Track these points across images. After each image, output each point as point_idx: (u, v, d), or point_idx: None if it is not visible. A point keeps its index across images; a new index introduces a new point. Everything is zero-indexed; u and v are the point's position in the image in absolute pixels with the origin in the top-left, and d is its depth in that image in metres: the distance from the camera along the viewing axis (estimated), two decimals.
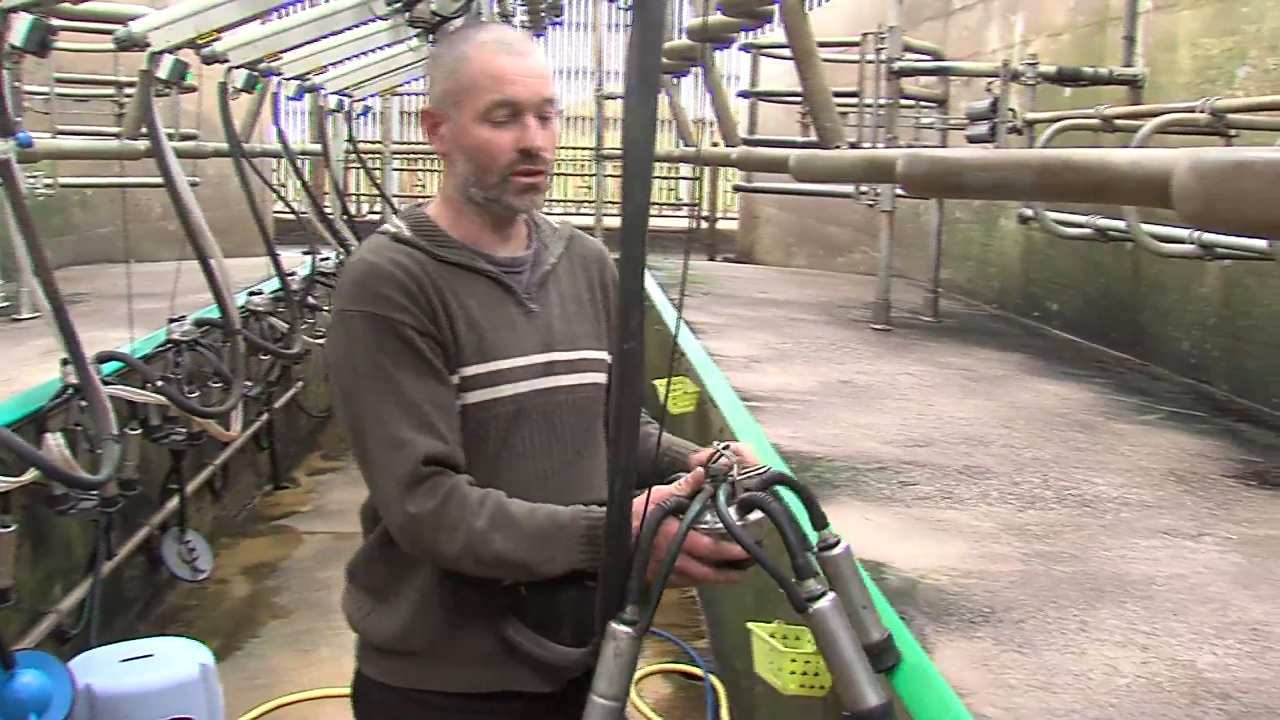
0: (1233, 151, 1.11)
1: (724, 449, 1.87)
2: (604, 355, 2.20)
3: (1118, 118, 5.65)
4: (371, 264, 2.02)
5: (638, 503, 1.83)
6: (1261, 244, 4.31)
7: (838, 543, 1.98)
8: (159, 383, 4.92)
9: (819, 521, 1.96)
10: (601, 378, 2.19)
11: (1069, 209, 6.21)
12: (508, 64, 2.01)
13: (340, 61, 7.92)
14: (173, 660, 4.07)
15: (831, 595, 1.82)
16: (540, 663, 2.01)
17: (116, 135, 6.83)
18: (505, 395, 2.06)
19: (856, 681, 1.81)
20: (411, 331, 1.97)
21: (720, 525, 1.81)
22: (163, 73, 4.81)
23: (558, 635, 2.03)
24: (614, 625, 1.80)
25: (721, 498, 1.82)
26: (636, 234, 1.61)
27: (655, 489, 1.88)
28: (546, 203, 16.29)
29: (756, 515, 1.84)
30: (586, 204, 16.63)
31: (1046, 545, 3.25)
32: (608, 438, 2.06)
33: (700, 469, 1.87)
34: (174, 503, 6.03)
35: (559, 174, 19.69)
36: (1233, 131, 4.89)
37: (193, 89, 6.17)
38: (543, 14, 9.14)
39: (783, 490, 1.93)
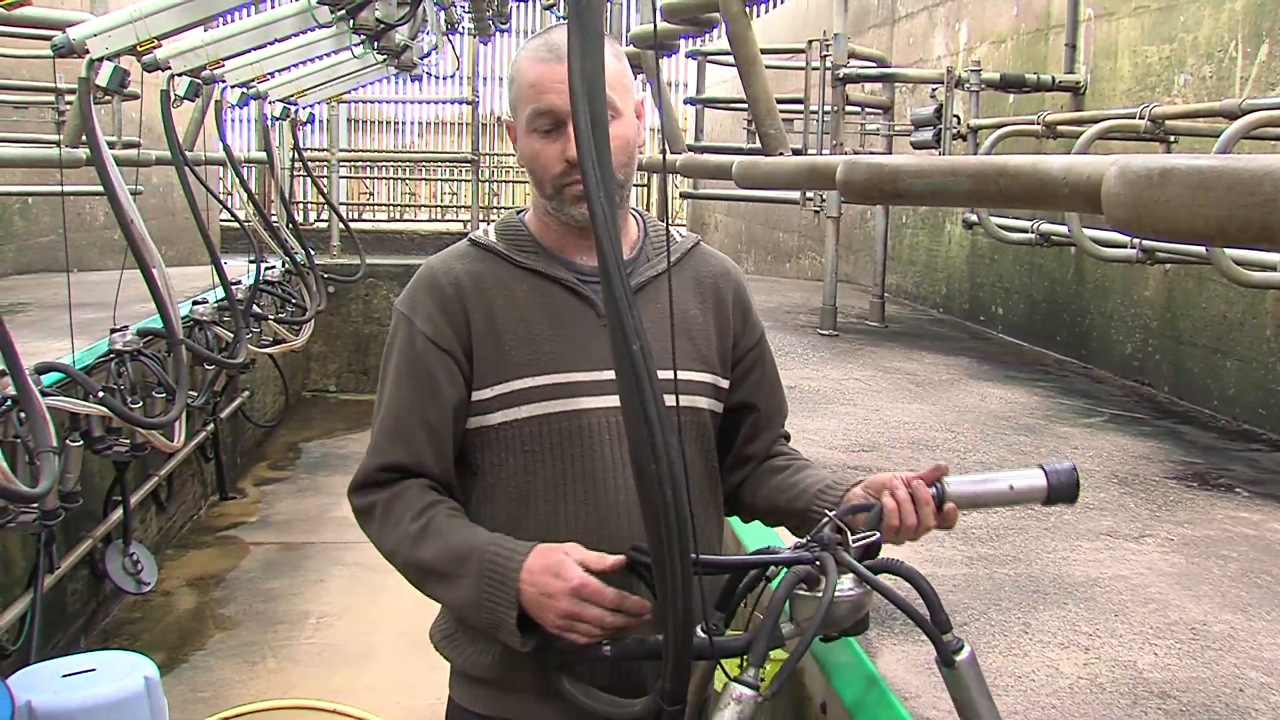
0: (1158, 158, 1.11)
1: (834, 516, 1.81)
2: (705, 377, 2.09)
3: (1060, 124, 5.70)
4: (430, 269, 2.06)
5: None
6: (1199, 248, 4.34)
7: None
8: (100, 393, 4.86)
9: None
10: (702, 402, 2.08)
11: (1012, 214, 6.27)
12: (544, 71, 1.91)
13: (284, 69, 7.88)
14: (116, 674, 4.01)
15: (969, 649, 1.75)
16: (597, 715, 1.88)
17: (57, 143, 6.74)
18: (565, 410, 1.98)
19: None
20: (429, 344, 1.99)
21: (847, 591, 1.74)
22: (102, 80, 4.74)
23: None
24: (736, 685, 1.64)
25: (853, 561, 1.75)
26: (609, 236, 1.43)
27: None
28: (491, 210, 16.14)
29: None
30: None
31: (990, 548, 3.27)
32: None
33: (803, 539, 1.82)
34: (118, 515, 5.97)
35: (506, 181, 19.60)
36: (1171, 138, 4.96)
37: (135, 96, 6.10)
38: (489, 21, 9.11)
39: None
